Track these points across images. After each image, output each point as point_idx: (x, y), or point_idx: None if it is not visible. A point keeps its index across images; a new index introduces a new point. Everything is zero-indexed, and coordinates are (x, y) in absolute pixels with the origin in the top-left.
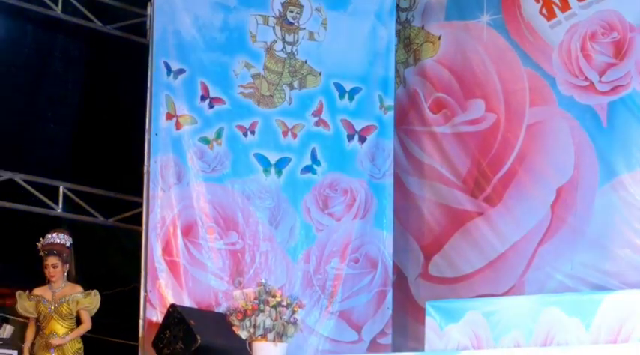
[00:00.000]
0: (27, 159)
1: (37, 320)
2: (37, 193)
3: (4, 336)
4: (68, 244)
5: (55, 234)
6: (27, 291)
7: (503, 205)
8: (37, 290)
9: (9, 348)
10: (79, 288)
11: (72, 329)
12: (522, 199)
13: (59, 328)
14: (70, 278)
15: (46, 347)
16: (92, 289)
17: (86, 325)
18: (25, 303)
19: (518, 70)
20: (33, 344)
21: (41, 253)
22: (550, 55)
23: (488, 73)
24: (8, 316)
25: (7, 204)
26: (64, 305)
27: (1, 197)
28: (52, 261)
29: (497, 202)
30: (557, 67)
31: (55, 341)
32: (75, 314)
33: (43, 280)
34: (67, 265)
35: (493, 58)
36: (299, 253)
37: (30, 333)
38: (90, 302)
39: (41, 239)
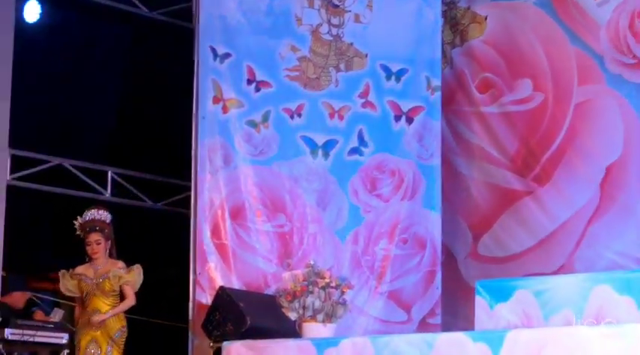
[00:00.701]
0: (75, 144)
1: (81, 298)
2: (85, 178)
3: (55, 320)
4: (108, 220)
5: (94, 211)
6: (70, 270)
7: (552, 184)
8: (79, 269)
9: (60, 331)
10: (121, 264)
11: (115, 307)
12: (571, 178)
13: (102, 305)
14: (111, 255)
15: (89, 325)
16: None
17: (129, 301)
18: (67, 282)
19: (566, 48)
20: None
21: (80, 231)
22: (598, 33)
23: (535, 52)
24: (60, 300)
25: (57, 190)
26: (106, 281)
27: (50, 183)
28: (94, 237)
29: (547, 181)
30: (605, 45)
31: (95, 317)
32: (117, 290)
33: None
34: (109, 242)
35: (540, 37)
36: (347, 234)
37: (78, 313)
38: (132, 277)
39: (78, 217)
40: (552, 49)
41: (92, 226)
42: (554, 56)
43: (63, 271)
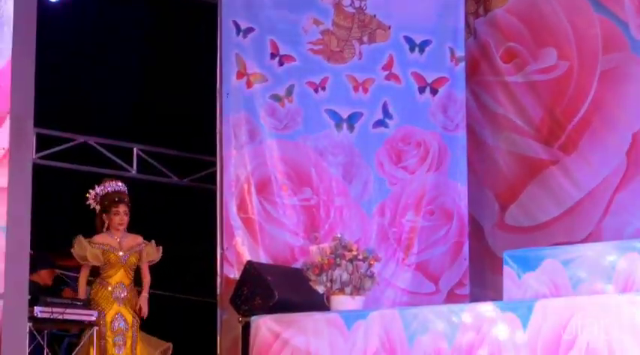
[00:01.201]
0: (100, 122)
1: (98, 269)
2: (111, 155)
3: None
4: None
5: (115, 183)
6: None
7: (578, 153)
8: (99, 238)
9: (89, 308)
10: (141, 238)
11: (132, 281)
12: (597, 146)
13: (126, 279)
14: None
15: (116, 300)
16: (169, 249)
17: (149, 279)
18: (93, 251)
19: (590, 16)
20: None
21: (104, 202)
22: (622, 0)
23: (559, 20)
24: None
25: (82, 168)
26: (133, 255)
27: (75, 160)
28: (123, 208)
29: (573, 150)
30: (630, 12)
31: (144, 306)
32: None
33: None
34: None
35: (564, 6)
36: (373, 207)
37: (85, 281)
38: (157, 255)
39: (95, 187)
40: (576, 17)
41: (120, 197)
42: (578, 24)
43: (80, 237)
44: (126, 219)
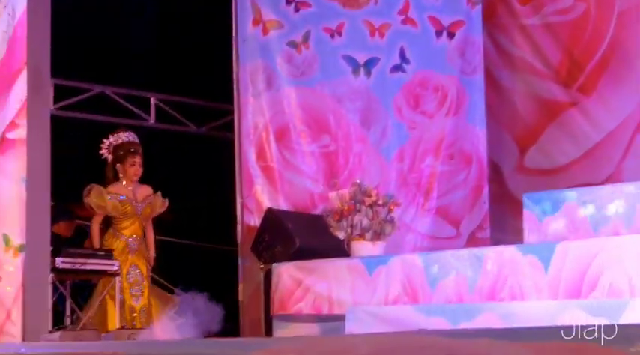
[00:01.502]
0: (117, 72)
1: (110, 219)
2: (128, 105)
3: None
4: None
5: (128, 133)
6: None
7: (597, 94)
8: (113, 189)
9: (111, 259)
10: (151, 189)
11: (143, 232)
12: (616, 87)
13: (139, 231)
14: None
15: (130, 252)
16: (188, 198)
17: (153, 236)
18: (113, 201)
19: None
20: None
21: (119, 152)
22: None
23: None
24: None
25: (100, 118)
26: (148, 206)
27: (93, 110)
28: (138, 159)
29: (591, 91)
30: None
31: (152, 253)
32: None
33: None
34: None
35: None
36: (392, 152)
37: (98, 231)
38: (164, 207)
39: (109, 137)
40: None
41: (136, 148)
42: None
43: (98, 187)
44: (141, 170)
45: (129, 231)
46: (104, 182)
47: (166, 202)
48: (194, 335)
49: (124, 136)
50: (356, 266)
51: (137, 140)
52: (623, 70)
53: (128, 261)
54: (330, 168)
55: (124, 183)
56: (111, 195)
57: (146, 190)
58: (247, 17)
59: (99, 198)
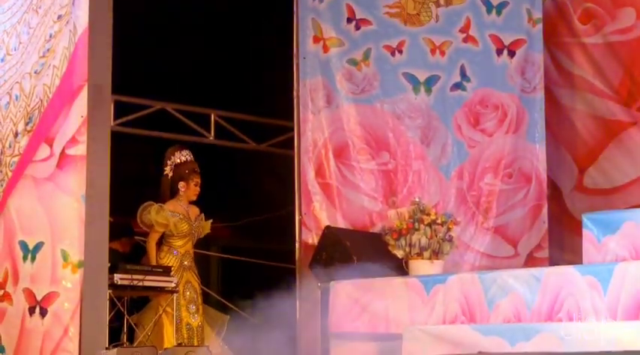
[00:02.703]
0: (177, 88)
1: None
2: (189, 122)
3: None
4: None
5: (186, 152)
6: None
7: None
8: (171, 207)
9: (169, 275)
10: (198, 210)
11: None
12: None
13: (191, 249)
14: None
15: (184, 269)
16: (247, 215)
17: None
18: (174, 219)
19: None
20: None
21: (182, 171)
22: None
23: None
24: None
25: (161, 134)
26: (200, 226)
27: (153, 127)
28: (197, 179)
29: None
30: None
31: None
32: None
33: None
34: None
35: None
36: (452, 170)
37: (155, 248)
38: (208, 229)
39: (172, 156)
40: None
41: (195, 168)
42: None
43: (155, 204)
44: (198, 189)
45: (183, 249)
46: (159, 198)
47: (209, 224)
48: None
49: (187, 154)
50: (414, 285)
51: (192, 158)
52: None
53: (183, 278)
54: (389, 185)
55: (182, 201)
56: (171, 212)
57: (196, 210)
58: (308, 34)
59: (161, 217)
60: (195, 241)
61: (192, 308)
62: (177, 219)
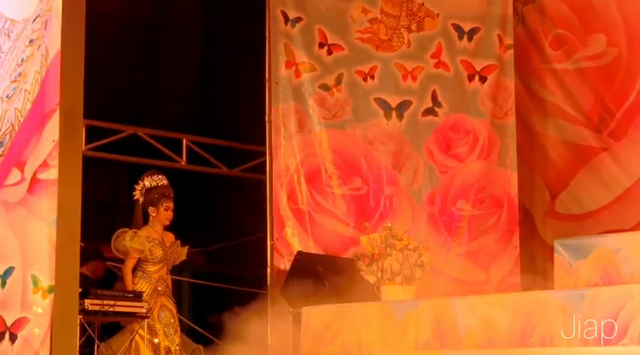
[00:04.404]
0: (149, 113)
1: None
2: (160, 147)
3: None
4: None
5: (162, 177)
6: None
7: (628, 139)
8: (144, 232)
9: (140, 301)
10: (173, 236)
11: (168, 275)
12: None
13: (165, 274)
14: None
15: (158, 294)
16: (219, 240)
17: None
18: (152, 245)
19: (639, 1)
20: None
21: (155, 196)
22: None
23: (608, 6)
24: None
25: (132, 159)
26: (175, 252)
27: (125, 152)
28: (172, 204)
29: (622, 137)
30: None
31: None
32: None
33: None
34: None
35: None
36: (423, 196)
37: (131, 274)
38: (184, 256)
39: (144, 179)
40: (625, 2)
41: (169, 193)
42: (628, 10)
43: (128, 230)
44: (172, 215)
45: (157, 275)
46: (132, 224)
47: (185, 250)
48: None
49: (158, 179)
50: (386, 311)
51: (167, 182)
52: None
53: (158, 303)
54: (361, 211)
55: (155, 227)
56: (146, 238)
57: (171, 236)
58: (281, 59)
59: (137, 242)
60: (170, 267)
61: (170, 330)
62: (151, 245)
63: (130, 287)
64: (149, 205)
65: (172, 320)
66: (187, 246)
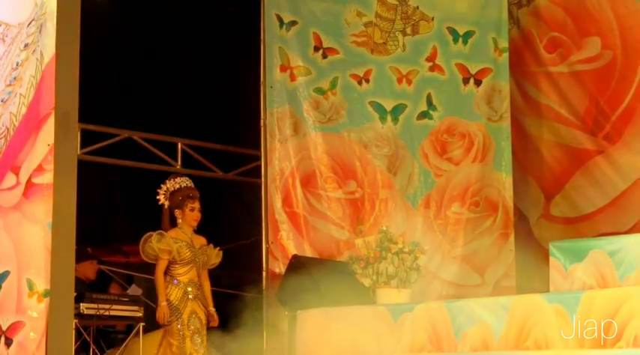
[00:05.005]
0: (144, 117)
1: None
2: (155, 150)
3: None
4: None
5: (185, 178)
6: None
7: (623, 142)
8: (172, 234)
9: (135, 305)
10: (205, 239)
11: (199, 280)
12: None
13: (196, 277)
14: None
15: (189, 298)
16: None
17: (210, 288)
18: (176, 245)
19: (634, 5)
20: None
21: (177, 198)
22: None
23: (602, 9)
24: (133, 273)
25: (127, 163)
26: (204, 254)
27: (120, 155)
28: (197, 205)
29: (617, 139)
30: None
31: (211, 308)
32: None
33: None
34: None
35: None
36: (418, 199)
37: (163, 280)
38: (218, 259)
39: (166, 182)
40: (620, 5)
41: (194, 194)
42: (622, 13)
43: (154, 233)
44: (200, 215)
45: (186, 278)
46: (136, 225)
47: (221, 253)
48: None
49: (181, 181)
50: (381, 314)
51: (193, 185)
52: None
53: (188, 308)
54: (356, 214)
55: (184, 229)
56: (173, 239)
57: (201, 239)
58: (275, 63)
59: (164, 243)
60: (200, 270)
61: (197, 340)
62: (179, 246)
63: (162, 296)
64: (175, 208)
65: (200, 328)
66: (219, 249)
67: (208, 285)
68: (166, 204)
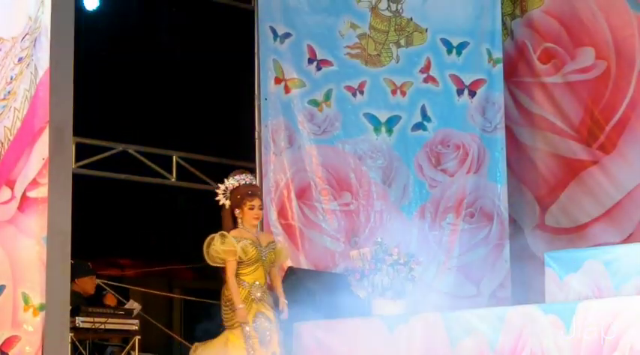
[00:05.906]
0: (139, 130)
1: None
2: (150, 163)
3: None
4: None
5: (246, 175)
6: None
7: (617, 152)
8: (235, 233)
9: (131, 318)
10: (272, 236)
11: (267, 281)
12: (637, 145)
13: (262, 278)
14: None
15: (254, 301)
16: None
17: (281, 283)
18: (241, 244)
19: (627, 15)
20: None
21: (236, 197)
22: None
23: (596, 20)
24: (128, 286)
25: (122, 176)
26: (272, 252)
27: (115, 169)
28: (258, 202)
29: (612, 150)
30: None
31: (283, 300)
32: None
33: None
34: None
35: (601, 5)
36: (413, 210)
37: (236, 285)
38: (288, 256)
39: (224, 181)
40: (613, 16)
41: (254, 191)
42: (616, 24)
43: (216, 235)
44: (261, 213)
45: (251, 278)
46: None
47: (286, 251)
48: None
49: (241, 179)
50: (376, 325)
51: (254, 182)
52: None
53: (253, 310)
54: (351, 226)
55: (247, 228)
56: (236, 238)
57: (269, 236)
58: (269, 75)
59: (227, 244)
60: (268, 270)
61: (265, 338)
62: (243, 244)
63: (237, 299)
64: (235, 207)
65: (269, 325)
66: (286, 246)
67: (279, 281)
68: (227, 204)
